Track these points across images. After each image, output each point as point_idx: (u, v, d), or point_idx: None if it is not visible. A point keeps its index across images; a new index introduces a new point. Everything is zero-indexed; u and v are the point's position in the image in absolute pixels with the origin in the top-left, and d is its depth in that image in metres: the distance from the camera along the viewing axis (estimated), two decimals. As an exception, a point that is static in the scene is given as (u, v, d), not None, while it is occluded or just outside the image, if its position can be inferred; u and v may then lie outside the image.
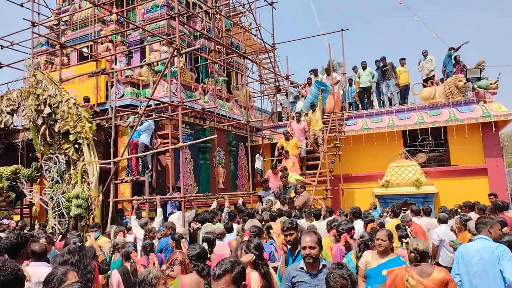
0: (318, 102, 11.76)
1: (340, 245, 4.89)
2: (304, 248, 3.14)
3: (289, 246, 3.86)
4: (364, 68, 13.06)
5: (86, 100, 9.86)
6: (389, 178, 10.75)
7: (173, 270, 4.00)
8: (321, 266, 3.14)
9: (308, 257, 3.12)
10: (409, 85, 12.77)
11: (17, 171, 10.17)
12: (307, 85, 13.44)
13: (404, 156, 11.19)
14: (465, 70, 11.48)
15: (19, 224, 9.21)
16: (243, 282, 2.17)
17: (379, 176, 11.04)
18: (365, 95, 13.30)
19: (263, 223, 6.55)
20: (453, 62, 12.22)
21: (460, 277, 3.70)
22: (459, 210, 7.95)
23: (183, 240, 4.85)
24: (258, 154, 12.36)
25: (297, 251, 3.80)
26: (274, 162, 10.86)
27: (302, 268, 3.17)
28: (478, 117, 10.64)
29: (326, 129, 11.93)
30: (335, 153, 12.01)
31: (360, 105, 13.54)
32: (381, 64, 12.97)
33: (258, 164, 12.16)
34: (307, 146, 11.59)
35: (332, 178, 11.65)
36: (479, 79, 11.08)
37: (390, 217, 7.30)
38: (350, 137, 12.18)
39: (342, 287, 2.37)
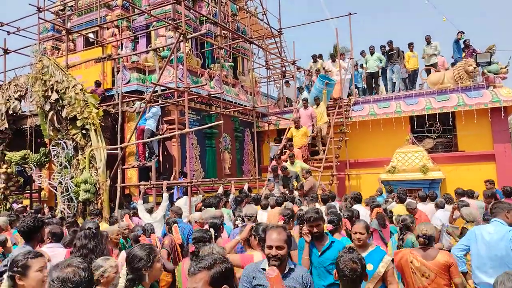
0: (323, 96, 11.57)
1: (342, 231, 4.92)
2: (270, 247, 2.62)
3: (308, 238, 3.46)
4: (372, 53, 12.89)
5: (98, 84, 9.90)
6: (395, 164, 10.71)
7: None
8: (287, 269, 2.66)
9: (274, 258, 2.60)
10: (418, 70, 12.61)
11: (26, 156, 10.31)
12: (315, 77, 13.27)
13: (411, 141, 11.12)
14: (475, 54, 11.28)
15: (34, 208, 9.38)
16: (224, 286, 1.73)
17: (386, 162, 11.01)
18: (373, 80, 13.16)
19: (269, 208, 6.61)
20: (462, 46, 12.02)
21: (471, 256, 3.76)
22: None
23: (175, 225, 4.91)
24: (273, 142, 12.40)
25: (325, 245, 3.43)
26: (278, 152, 10.79)
27: (265, 270, 2.61)
28: (487, 102, 10.50)
29: (333, 115, 11.88)
30: (341, 138, 11.97)
31: (367, 91, 13.41)
32: (388, 48, 12.79)
33: (272, 152, 12.22)
34: (313, 132, 11.53)
35: (338, 164, 11.65)
36: (489, 63, 10.89)
37: (396, 203, 7.32)
38: (357, 123, 12.11)
39: (352, 271, 2.37)
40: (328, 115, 11.84)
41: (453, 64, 11.93)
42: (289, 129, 11.43)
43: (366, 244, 3.53)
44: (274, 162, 10.03)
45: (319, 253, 3.40)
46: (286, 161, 9.78)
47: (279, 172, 9.26)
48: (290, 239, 2.67)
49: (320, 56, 14.25)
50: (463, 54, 11.90)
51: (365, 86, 13.50)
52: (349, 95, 12.93)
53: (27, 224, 3.53)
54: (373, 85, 13.16)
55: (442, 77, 11.36)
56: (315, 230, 3.44)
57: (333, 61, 13.44)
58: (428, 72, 12.15)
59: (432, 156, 10.91)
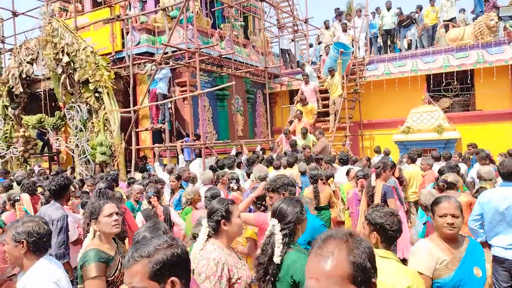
0: (338, 66, 10.73)
1: (357, 190, 4.95)
2: None
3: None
4: (388, 9, 12.34)
5: None
6: (410, 124, 10.56)
7: None
8: None
9: None
10: (436, 25, 12.09)
11: (42, 120, 10.47)
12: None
13: (427, 101, 10.88)
14: (497, 8, 10.72)
15: (56, 170, 9.65)
16: (171, 279, 1.27)
17: (400, 122, 10.85)
18: (388, 38, 12.68)
19: (281, 168, 6.66)
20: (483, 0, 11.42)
21: (485, 222, 3.57)
22: (471, 157, 7.83)
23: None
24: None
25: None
26: (286, 127, 10.50)
27: None
28: (508, 59, 10.11)
29: (347, 76, 11.52)
30: (355, 99, 11.77)
31: (382, 49, 12.96)
32: (399, 19, 12.17)
33: (291, 115, 11.97)
34: (318, 108, 11.08)
35: (352, 124, 11.53)
36: (512, 17, 10.38)
37: (408, 163, 7.28)
38: (371, 83, 11.86)
39: (398, 224, 2.15)
40: (343, 87, 10.96)
41: (476, 18, 11.35)
42: (297, 102, 11.03)
43: (457, 236, 2.34)
44: (283, 136, 9.83)
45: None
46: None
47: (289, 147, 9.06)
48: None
49: (340, 14, 13.41)
50: (484, 8, 11.33)
51: (381, 44, 13.03)
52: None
53: (58, 183, 3.71)
54: (389, 43, 12.70)
55: (461, 33, 10.89)
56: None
57: (344, 31, 12.48)
58: (446, 27, 11.65)
59: (448, 115, 10.70)
